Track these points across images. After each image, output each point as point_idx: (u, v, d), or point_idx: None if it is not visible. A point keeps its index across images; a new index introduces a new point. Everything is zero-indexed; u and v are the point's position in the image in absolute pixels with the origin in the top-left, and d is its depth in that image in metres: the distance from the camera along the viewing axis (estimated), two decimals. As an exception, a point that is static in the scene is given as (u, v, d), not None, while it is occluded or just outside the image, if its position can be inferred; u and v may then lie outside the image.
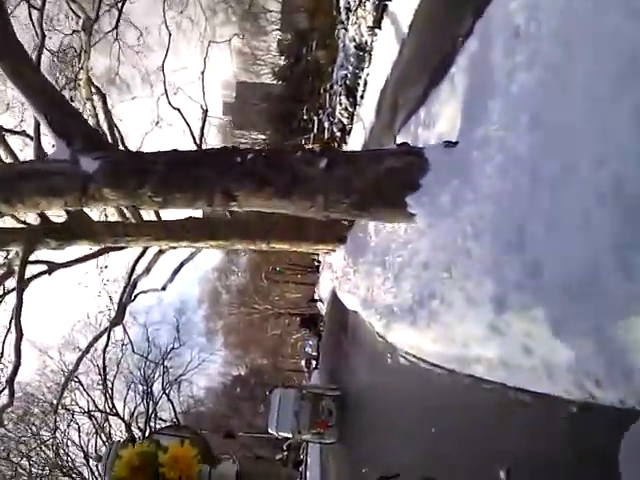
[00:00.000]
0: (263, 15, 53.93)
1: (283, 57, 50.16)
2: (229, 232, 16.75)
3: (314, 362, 40.94)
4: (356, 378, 17.64)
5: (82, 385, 35.68)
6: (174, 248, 22.57)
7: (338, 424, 18.01)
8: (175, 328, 45.91)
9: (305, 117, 39.07)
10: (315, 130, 36.80)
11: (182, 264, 24.77)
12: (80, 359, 26.10)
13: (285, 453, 41.55)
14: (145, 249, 23.67)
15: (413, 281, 8.75)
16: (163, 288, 25.53)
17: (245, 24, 52.28)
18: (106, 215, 19.18)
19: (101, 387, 37.27)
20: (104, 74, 28.67)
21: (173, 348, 43.49)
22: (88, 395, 35.71)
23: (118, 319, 24.71)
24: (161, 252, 23.69)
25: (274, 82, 53.61)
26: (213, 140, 45.59)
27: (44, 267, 23.05)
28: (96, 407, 35.76)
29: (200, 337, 53.37)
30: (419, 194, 7.38)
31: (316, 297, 42.53)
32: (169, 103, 24.61)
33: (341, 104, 24.66)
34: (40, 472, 32.52)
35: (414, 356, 10.48)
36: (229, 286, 57.40)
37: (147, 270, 24.13)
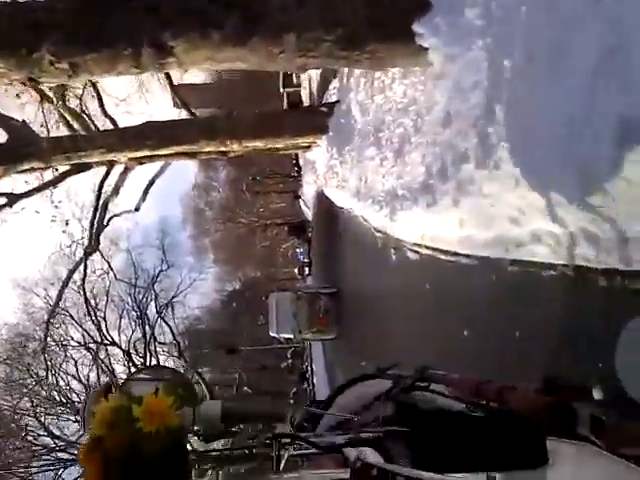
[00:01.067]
0: None
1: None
2: (193, 134, 14.26)
3: (307, 269, 39.58)
4: (353, 278, 16.41)
5: (73, 318, 33.74)
6: (135, 160, 20.23)
7: (336, 320, 17.88)
8: (161, 250, 43.69)
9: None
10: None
11: (153, 181, 22.37)
12: (60, 293, 24.12)
13: (289, 361, 40.74)
14: (109, 169, 21.24)
15: (426, 149, 6.48)
16: (136, 209, 23.20)
17: None
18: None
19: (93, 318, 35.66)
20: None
21: (162, 270, 41.44)
22: (81, 327, 33.86)
23: (93, 247, 22.51)
24: (127, 169, 21.28)
25: None
26: None
27: (3, 200, 20.77)
28: (91, 338, 33.99)
29: (188, 257, 51.05)
30: (431, 16, 5.05)
31: (301, 204, 40.54)
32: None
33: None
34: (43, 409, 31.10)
35: (429, 247, 8.40)
36: (211, 202, 54.78)
37: (115, 190, 21.72)
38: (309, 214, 37.63)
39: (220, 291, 54.04)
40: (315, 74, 25.93)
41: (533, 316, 4.75)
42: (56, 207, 19.28)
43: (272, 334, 20.45)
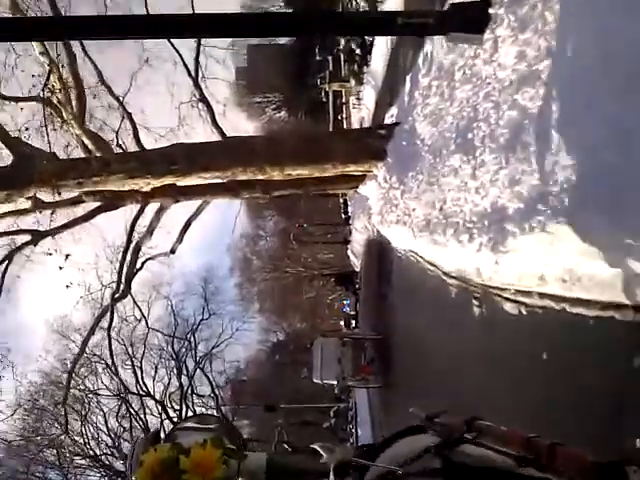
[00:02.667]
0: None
1: None
2: (228, 158, 11.70)
3: (353, 321, 36.73)
4: (406, 330, 14.23)
5: (108, 366, 31.23)
6: (169, 197, 17.82)
7: (383, 370, 16.95)
8: (203, 298, 41.07)
9: (319, 58, 33.74)
10: (330, 67, 31.58)
11: (190, 221, 19.86)
12: (85, 341, 21.53)
13: (333, 420, 37.34)
14: (142, 207, 18.88)
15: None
16: (172, 251, 20.64)
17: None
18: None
19: (130, 367, 33.12)
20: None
21: (203, 319, 38.74)
22: (116, 376, 31.29)
23: (122, 293, 20.00)
24: (162, 209, 18.90)
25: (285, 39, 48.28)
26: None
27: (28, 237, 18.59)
28: (125, 388, 31.35)
29: (230, 306, 48.15)
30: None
31: (349, 254, 37.93)
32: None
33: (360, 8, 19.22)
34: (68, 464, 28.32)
35: (547, 295, 5.45)
36: (259, 251, 52.47)
37: (149, 231, 19.29)
38: (357, 264, 35.07)
39: (264, 342, 51.13)
40: (370, 107, 23.47)
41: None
42: (66, 259, 16.62)
43: (315, 380, 19.31)
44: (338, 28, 5.96)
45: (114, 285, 19.76)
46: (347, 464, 2.23)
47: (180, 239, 19.99)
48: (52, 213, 17.23)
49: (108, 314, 19.26)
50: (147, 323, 24.32)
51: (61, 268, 16.36)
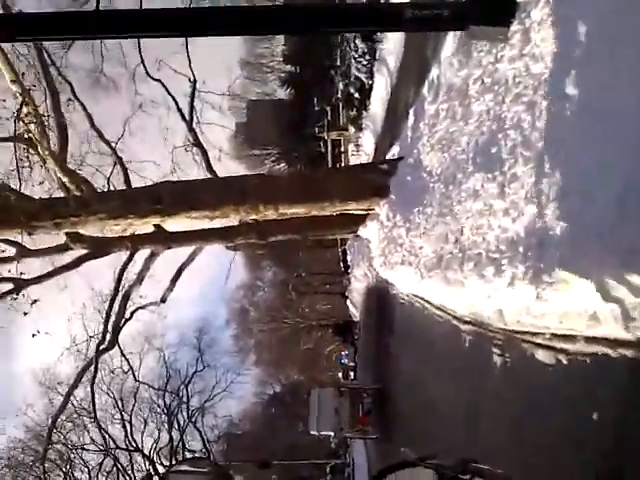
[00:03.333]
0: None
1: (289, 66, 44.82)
2: (217, 196, 10.68)
3: (352, 373, 35.17)
4: (409, 380, 13.09)
5: (96, 420, 29.55)
6: (160, 243, 16.75)
7: (380, 421, 16.30)
8: (197, 349, 39.44)
9: (317, 108, 33.20)
10: (329, 116, 31.01)
11: (182, 269, 18.75)
12: (69, 394, 20.05)
13: (329, 476, 35.43)
14: (132, 254, 17.80)
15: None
16: (162, 300, 19.44)
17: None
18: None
19: (119, 421, 31.41)
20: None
21: (196, 371, 37.03)
22: (104, 430, 29.55)
23: (109, 344, 18.71)
24: (153, 255, 17.83)
25: (284, 94, 48.23)
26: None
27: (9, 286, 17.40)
28: (114, 443, 29.59)
29: (225, 358, 45.91)
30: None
31: (348, 304, 36.78)
32: (147, 74, 18.66)
33: (357, 53, 18.53)
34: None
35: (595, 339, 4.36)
36: (256, 302, 51.05)
37: (139, 280, 18.17)
38: (357, 314, 33.82)
39: (259, 394, 49.21)
40: (369, 153, 22.65)
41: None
42: (31, 305, 15.45)
43: (312, 432, 18.56)
44: (339, 22, 5.02)
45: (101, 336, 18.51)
46: None
47: (171, 287, 18.84)
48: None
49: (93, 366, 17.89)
50: (135, 376, 22.83)
51: (25, 314, 15.10)
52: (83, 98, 16.66)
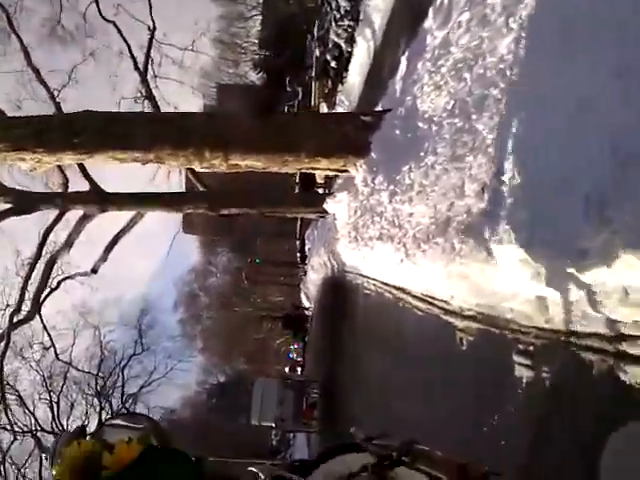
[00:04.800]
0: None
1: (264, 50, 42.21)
2: (153, 135, 8.11)
3: (299, 369, 32.93)
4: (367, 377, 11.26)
5: (22, 399, 26.47)
6: (93, 205, 14.09)
7: (324, 415, 15.80)
8: (137, 331, 36.23)
9: (289, 89, 30.58)
10: (300, 97, 28.48)
11: (118, 237, 16.02)
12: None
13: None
14: (61, 214, 15.02)
15: None
16: (94, 270, 16.63)
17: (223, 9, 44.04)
18: None
19: (47, 401, 28.30)
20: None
21: (134, 354, 33.84)
22: (29, 411, 26.47)
23: (28, 314, 15.86)
24: (86, 218, 15.08)
25: (256, 77, 45.62)
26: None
27: None
28: (38, 425, 26.53)
29: (168, 342, 42.43)
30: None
31: (302, 297, 34.45)
32: (100, 15, 15.89)
33: (338, 14, 16.05)
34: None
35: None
36: (207, 287, 48.13)
37: (68, 245, 15.40)
38: (309, 308, 31.51)
39: (202, 383, 46.22)
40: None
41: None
42: None
43: (253, 422, 17.82)
44: None
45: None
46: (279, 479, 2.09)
47: (104, 257, 16.06)
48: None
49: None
50: (56, 353, 19.89)
51: None
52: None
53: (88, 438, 1.93)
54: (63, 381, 26.96)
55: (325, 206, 11.30)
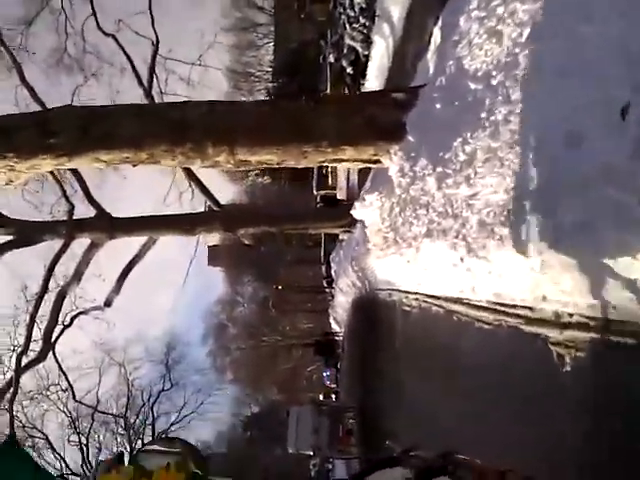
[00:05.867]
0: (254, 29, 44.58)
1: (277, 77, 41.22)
2: (145, 130, 6.59)
3: (333, 395, 31.00)
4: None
5: (50, 443, 24.99)
6: (101, 231, 12.71)
7: (363, 441, 14.75)
8: (165, 366, 34.43)
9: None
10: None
11: (130, 265, 14.53)
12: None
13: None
14: (67, 244, 13.59)
15: None
16: (107, 304, 15.13)
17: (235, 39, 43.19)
18: None
19: (76, 443, 26.73)
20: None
21: (163, 390, 32.08)
22: (58, 454, 24.95)
23: (40, 354, 14.35)
24: (94, 246, 13.66)
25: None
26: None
27: None
28: (68, 468, 25.00)
29: (196, 376, 40.10)
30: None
31: (331, 322, 32.69)
32: (99, 28, 14.60)
33: (352, 13, 14.57)
34: None
35: None
36: (235, 318, 46.37)
37: (76, 277, 13.97)
38: (340, 332, 29.69)
39: (236, 415, 44.25)
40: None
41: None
42: None
43: (290, 450, 17.02)
44: None
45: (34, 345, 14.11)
46: None
47: (118, 288, 14.54)
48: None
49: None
50: (74, 394, 18.26)
51: None
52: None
53: (126, 465, 1.89)
54: (91, 421, 25.30)
55: (353, 212, 9.63)
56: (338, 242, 25.16)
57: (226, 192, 38.83)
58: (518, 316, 4.94)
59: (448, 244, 5.30)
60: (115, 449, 27.83)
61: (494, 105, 4.48)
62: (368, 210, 8.85)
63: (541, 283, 4.04)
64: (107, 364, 27.90)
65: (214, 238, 54.06)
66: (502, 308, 5.21)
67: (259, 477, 31.39)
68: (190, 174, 13.83)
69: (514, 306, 4.99)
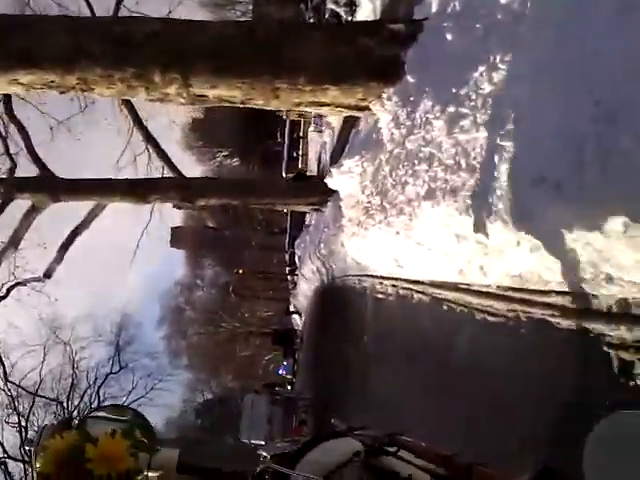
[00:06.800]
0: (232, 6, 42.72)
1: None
2: (77, 47, 5.11)
3: (289, 387, 29.75)
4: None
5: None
6: (28, 193, 11.13)
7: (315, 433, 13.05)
8: (114, 347, 32.36)
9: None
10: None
11: (74, 234, 12.92)
12: None
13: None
14: (5, 203, 11.93)
15: None
16: (47, 275, 13.49)
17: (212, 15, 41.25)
18: None
19: (15, 425, 24.75)
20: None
21: (111, 373, 30.14)
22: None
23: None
24: (34, 210, 12.02)
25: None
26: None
27: None
28: (4, 452, 23.15)
29: (148, 360, 37.76)
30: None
31: (291, 309, 31.46)
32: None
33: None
34: None
35: None
36: (193, 302, 44.53)
37: (13, 243, 12.32)
38: (300, 322, 28.43)
39: (188, 402, 42.45)
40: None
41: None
42: None
43: (243, 440, 16.30)
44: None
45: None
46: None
47: (59, 258, 12.92)
48: None
49: None
50: (5, 374, 16.41)
51: None
52: None
53: (72, 431, 1.71)
54: (31, 402, 23.41)
55: (327, 181, 8.23)
56: (305, 227, 23.82)
57: (192, 173, 36.94)
58: (548, 306, 3.65)
59: (458, 207, 3.97)
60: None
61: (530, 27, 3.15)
62: (346, 178, 7.46)
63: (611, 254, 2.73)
64: (52, 342, 25.83)
65: (177, 219, 52.19)
66: (521, 295, 3.92)
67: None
68: (147, 135, 12.27)
69: (542, 292, 3.70)
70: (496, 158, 3.50)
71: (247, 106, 5.47)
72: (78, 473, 1.44)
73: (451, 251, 4.51)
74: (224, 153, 47.13)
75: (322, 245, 14.55)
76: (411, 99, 5.03)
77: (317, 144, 23.51)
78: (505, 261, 3.78)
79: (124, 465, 1.47)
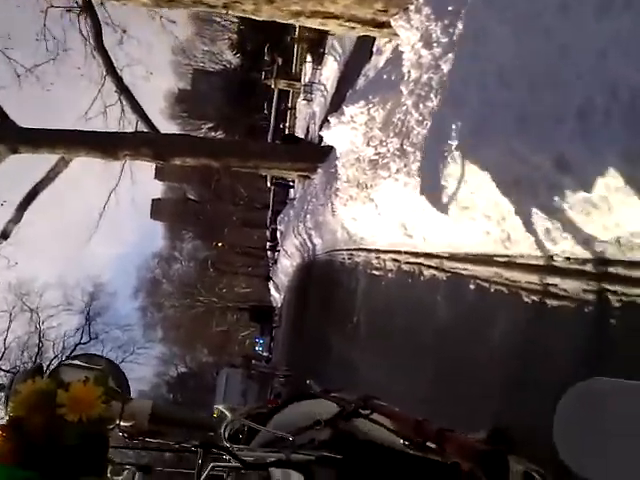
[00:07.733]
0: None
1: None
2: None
3: (265, 362, 28.72)
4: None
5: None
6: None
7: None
8: (85, 317, 30.72)
9: (267, 58, 26.13)
10: (279, 63, 24.07)
11: (35, 191, 11.46)
12: None
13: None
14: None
15: None
16: (4, 236, 12.03)
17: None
18: None
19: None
20: None
21: (80, 343, 28.54)
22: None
23: None
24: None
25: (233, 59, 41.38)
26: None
27: None
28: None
29: (118, 331, 36.04)
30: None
31: (271, 288, 30.45)
32: None
33: None
34: None
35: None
36: (171, 275, 43.00)
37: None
38: (279, 300, 27.33)
39: (161, 375, 41.11)
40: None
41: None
42: None
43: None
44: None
45: None
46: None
47: (18, 217, 11.47)
48: None
49: None
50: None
51: None
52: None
53: (45, 377, 1.70)
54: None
55: (323, 133, 6.91)
56: (289, 201, 22.55)
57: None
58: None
59: (529, 140, 2.69)
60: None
61: None
62: (346, 129, 6.14)
63: None
64: (19, 309, 24.25)
65: (158, 190, 50.42)
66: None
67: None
68: (121, 84, 10.81)
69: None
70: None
71: (231, 12, 4.13)
72: (49, 418, 1.37)
73: (500, 209, 3.25)
74: (209, 125, 45.43)
75: (308, 217, 13.26)
76: (450, 9, 3.72)
77: (306, 115, 22.16)
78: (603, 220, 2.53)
79: (96, 411, 1.39)
